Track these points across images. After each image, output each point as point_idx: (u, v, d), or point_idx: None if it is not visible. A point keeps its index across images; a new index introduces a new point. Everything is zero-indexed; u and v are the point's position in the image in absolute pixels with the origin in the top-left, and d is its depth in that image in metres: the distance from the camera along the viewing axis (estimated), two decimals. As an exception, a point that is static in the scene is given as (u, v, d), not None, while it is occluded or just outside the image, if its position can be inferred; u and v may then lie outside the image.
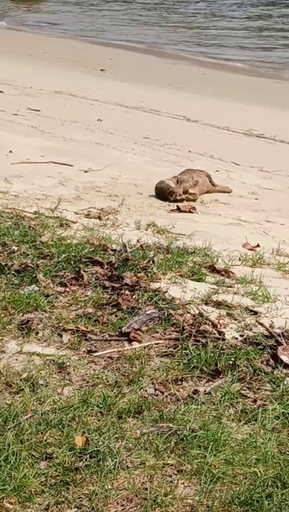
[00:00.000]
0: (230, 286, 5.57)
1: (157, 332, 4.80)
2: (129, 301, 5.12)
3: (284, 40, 21.82)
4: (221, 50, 20.66)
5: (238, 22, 25.22)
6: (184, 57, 19.99)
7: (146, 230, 6.74)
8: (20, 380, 4.19)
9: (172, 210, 7.60)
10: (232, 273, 5.84)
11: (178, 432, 3.78)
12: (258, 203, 8.32)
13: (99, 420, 3.87)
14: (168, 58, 19.58)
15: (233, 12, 27.37)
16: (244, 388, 4.24)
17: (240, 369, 4.37)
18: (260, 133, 12.05)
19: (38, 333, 4.74)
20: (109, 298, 5.16)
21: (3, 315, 4.87)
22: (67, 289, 5.31)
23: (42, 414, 3.88)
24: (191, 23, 25.07)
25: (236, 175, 9.11)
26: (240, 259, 6.21)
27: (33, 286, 5.26)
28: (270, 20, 25.64)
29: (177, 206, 7.63)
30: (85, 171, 8.63)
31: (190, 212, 7.61)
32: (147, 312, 4.93)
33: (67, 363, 4.39)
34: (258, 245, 6.63)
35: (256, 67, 18.77)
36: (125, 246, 5.93)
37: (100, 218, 6.94)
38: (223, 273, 5.82)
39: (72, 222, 6.70)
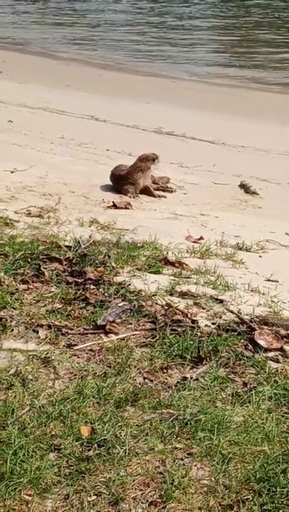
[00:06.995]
0: (188, 277, 5.67)
1: (131, 324, 4.85)
2: (96, 295, 5.15)
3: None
4: (111, 53, 20.81)
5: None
6: (77, 58, 20.04)
7: (90, 226, 6.77)
8: (9, 375, 4.18)
9: (108, 207, 7.66)
10: (186, 265, 5.93)
11: (179, 417, 3.84)
12: (188, 197, 8.48)
13: (98, 410, 3.91)
14: (62, 60, 19.59)
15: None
16: (229, 373, 4.34)
17: (222, 355, 4.46)
18: (170, 130, 12.21)
19: (12, 330, 4.72)
20: (75, 293, 5.18)
21: None
22: (30, 286, 5.30)
23: (40, 408, 3.89)
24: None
25: (159, 171, 9.21)
26: (188, 252, 6.32)
27: (-4, 284, 5.23)
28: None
29: (113, 203, 7.70)
30: (12, 172, 8.59)
31: (126, 208, 7.70)
32: (119, 304, 4.98)
33: (52, 357, 4.40)
34: (201, 237, 6.75)
35: (152, 68, 18.99)
36: (79, 242, 5.95)
37: (41, 216, 6.94)
38: (177, 265, 5.91)
39: (15, 221, 6.67)
